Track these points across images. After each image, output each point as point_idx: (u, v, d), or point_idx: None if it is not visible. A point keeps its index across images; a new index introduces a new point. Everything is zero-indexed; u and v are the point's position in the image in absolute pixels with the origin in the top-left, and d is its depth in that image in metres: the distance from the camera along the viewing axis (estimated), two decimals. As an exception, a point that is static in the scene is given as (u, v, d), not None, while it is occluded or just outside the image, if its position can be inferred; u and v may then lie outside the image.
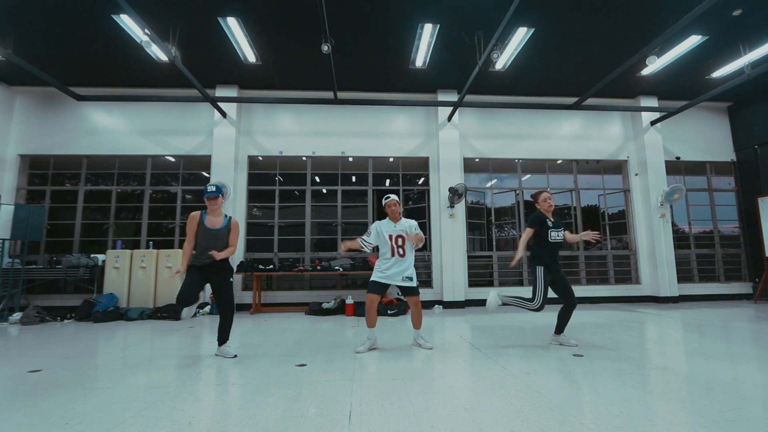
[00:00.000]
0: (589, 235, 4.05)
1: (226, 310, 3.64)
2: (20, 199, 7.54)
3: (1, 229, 6.28)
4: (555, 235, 3.93)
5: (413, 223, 4.05)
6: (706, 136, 8.77)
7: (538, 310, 3.87)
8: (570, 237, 4.09)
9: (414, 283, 3.94)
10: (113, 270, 6.69)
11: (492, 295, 4.04)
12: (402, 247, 3.90)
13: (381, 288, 3.89)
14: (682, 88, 7.89)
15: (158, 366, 3.36)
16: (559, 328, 4.04)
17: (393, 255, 3.90)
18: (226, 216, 3.70)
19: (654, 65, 6.17)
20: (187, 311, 3.77)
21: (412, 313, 4.00)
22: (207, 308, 6.79)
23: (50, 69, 6.57)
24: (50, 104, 7.74)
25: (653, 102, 8.34)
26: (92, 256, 6.99)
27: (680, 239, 8.57)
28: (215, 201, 3.55)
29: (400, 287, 3.95)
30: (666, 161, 8.30)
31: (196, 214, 3.58)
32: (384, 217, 4.15)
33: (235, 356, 3.60)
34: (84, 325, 5.73)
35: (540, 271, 3.90)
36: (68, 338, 4.72)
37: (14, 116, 7.68)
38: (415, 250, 4.19)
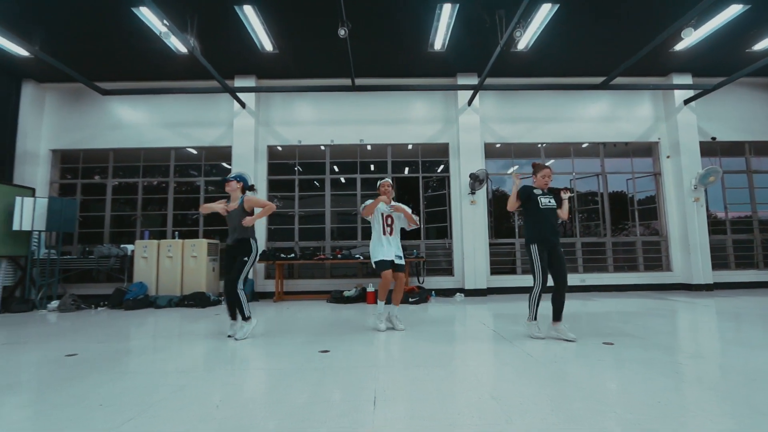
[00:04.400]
0: (564, 194, 3.91)
1: (230, 289, 3.80)
2: (53, 193, 7.85)
3: (38, 221, 6.56)
4: (545, 201, 3.70)
5: (404, 206, 4.39)
6: (744, 114, 8.25)
7: (545, 287, 3.63)
8: (561, 212, 3.87)
9: (403, 261, 4.30)
10: (142, 260, 6.91)
11: (529, 330, 3.75)
12: (390, 226, 4.30)
13: (389, 263, 4.16)
14: (719, 64, 7.43)
15: (186, 351, 3.44)
16: (556, 316, 3.66)
17: (384, 234, 4.25)
18: (241, 197, 3.96)
19: (689, 38, 5.81)
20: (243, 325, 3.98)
21: (395, 290, 4.26)
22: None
23: (75, 65, 6.74)
24: (77, 100, 7.98)
25: (687, 79, 7.89)
26: (122, 246, 7.24)
27: (715, 224, 8.17)
28: (228, 184, 3.94)
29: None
30: (701, 142, 7.89)
31: (223, 201, 4.02)
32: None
33: (229, 336, 3.81)
34: (116, 313, 5.96)
35: (534, 249, 3.63)
36: (102, 324, 4.91)
37: (45, 112, 7.96)
38: (411, 230, 4.54)
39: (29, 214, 6.50)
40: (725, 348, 3.29)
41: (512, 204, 3.81)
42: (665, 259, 8.03)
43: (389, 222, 4.30)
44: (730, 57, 7.18)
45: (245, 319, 3.86)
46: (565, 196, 3.91)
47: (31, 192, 7.06)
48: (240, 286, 3.83)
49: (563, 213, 3.89)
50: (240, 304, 3.83)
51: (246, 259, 3.85)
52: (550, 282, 3.68)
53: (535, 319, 3.70)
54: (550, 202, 3.75)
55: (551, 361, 2.88)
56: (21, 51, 6.29)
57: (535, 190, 3.78)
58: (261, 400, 2.22)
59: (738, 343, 3.41)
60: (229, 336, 3.88)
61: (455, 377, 2.60)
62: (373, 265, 4.26)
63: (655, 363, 2.80)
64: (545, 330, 3.73)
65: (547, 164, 3.94)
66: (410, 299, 6.44)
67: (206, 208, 3.99)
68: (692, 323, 4.50)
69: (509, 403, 2.10)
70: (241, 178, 3.99)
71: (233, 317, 3.95)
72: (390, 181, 4.45)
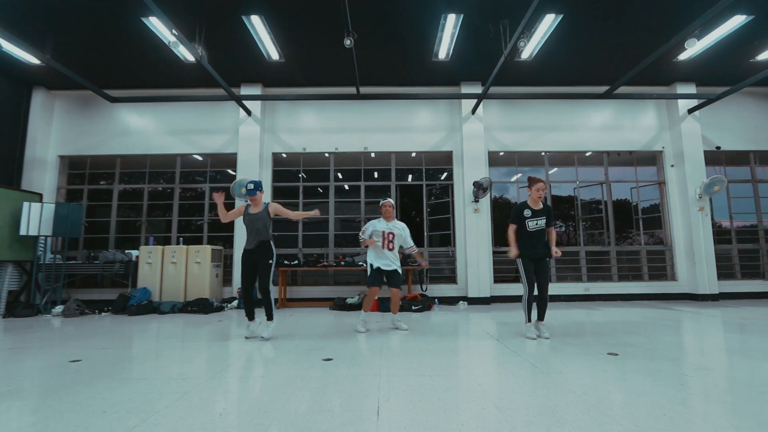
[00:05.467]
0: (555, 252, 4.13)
1: (261, 291, 4.07)
2: (60, 198, 7.93)
3: (44, 226, 6.62)
4: (532, 225, 4.11)
5: (403, 225, 4.81)
6: (749, 123, 8.23)
7: (532, 292, 4.13)
8: (552, 235, 4.25)
9: (399, 269, 4.67)
10: (146, 265, 6.94)
11: (528, 333, 4.15)
12: (392, 242, 4.64)
13: (381, 279, 4.58)
14: (723, 73, 7.44)
15: (189, 358, 3.45)
16: (539, 316, 4.20)
17: (384, 247, 4.60)
18: (265, 204, 4.24)
19: (693, 48, 5.84)
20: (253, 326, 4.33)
21: (392, 301, 4.75)
22: (234, 303, 6.95)
23: (85, 73, 6.85)
24: (86, 107, 8.09)
25: (691, 89, 7.90)
26: (126, 251, 7.27)
27: (720, 233, 8.12)
28: (255, 198, 4.16)
29: (386, 275, 4.60)
30: (705, 151, 7.87)
31: (243, 206, 4.25)
32: (378, 216, 4.85)
33: (262, 338, 4.05)
34: (120, 318, 5.97)
35: (519, 262, 4.18)
36: (106, 330, 4.93)
37: (54, 119, 8.07)
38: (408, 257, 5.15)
39: (36, 219, 6.57)
40: (732, 360, 3.25)
41: (512, 237, 4.28)
42: (670, 268, 7.97)
43: (391, 238, 4.61)
44: (734, 67, 7.20)
45: (271, 319, 4.18)
46: (555, 255, 4.15)
47: (38, 197, 7.14)
48: (270, 288, 4.10)
49: (550, 238, 4.26)
50: (270, 305, 4.12)
51: (270, 262, 4.11)
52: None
53: (529, 320, 4.18)
54: (537, 224, 4.13)
55: (556, 372, 2.86)
56: (32, 59, 6.42)
57: (525, 211, 4.15)
58: (263, 408, 2.22)
59: (745, 355, 3.37)
60: (246, 338, 4.14)
61: (459, 387, 2.58)
62: (367, 271, 4.66)
63: (661, 374, 2.77)
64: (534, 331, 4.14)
65: (541, 178, 4.39)
66: (413, 307, 6.42)
67: (226, 214, 4.21)
68: (698, 334, 4.46)
69: (513, 414, 2.09)
70: (260, 185, 4.19)
71: (252, 318, 4.23)
72: (392, 201, 4.75)
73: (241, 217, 4.23)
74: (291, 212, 4.26)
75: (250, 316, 4.24)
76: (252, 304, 4.23)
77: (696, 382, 2.62)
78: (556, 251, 4.09)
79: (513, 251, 4.18)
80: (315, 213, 4.27)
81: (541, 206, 4.20)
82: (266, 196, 7.83)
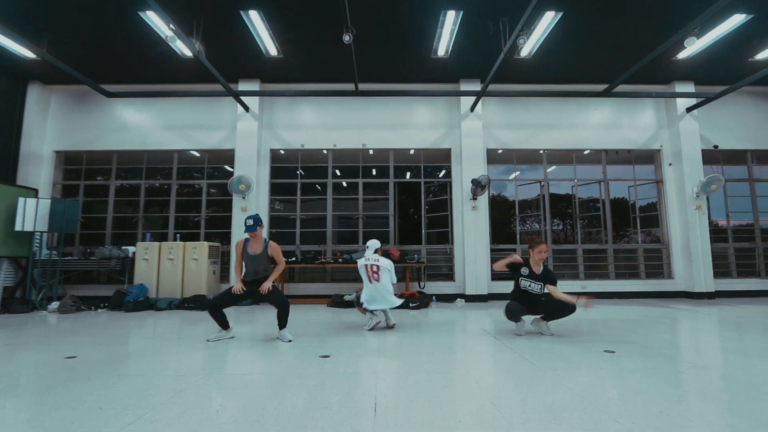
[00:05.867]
0: (585, 302, 3.83)
1: (281, 306, 4.01)
2: (56, 194, 7.88)
3: (40, 222, 6.58)
4: (525, 284, 4.03)
5: (389, 262, 4.68)
6: (747, 122, 8.25)
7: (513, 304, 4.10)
8: (555, 292, 3.97)
9: (397, 303, 4.56)
10: (143, 261, 6.91)
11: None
12: (377, 273, 4.51)
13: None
14: (721, 72, 7.44)
15: (186, 354, 3.44)
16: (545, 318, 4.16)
17: (371, 282, 4.51)
18: (265, 241, 4.12)
19: (693, 47, 5.81)
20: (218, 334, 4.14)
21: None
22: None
23: (82, 67, 6.77)
24: (82, 102, 8.03)
25: (689, 87, 7.90)
26: (123, 248, 7.24)
27: (716, 232, 8.15)
28: (255, 234, 4.06)
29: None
30: (703, 150, 7.88)
31: (240, 242, 4.13)
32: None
33: (290, 341, 3.89)
34: (116, 314, 5.95)
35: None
36: (102, 326, 4.91)
37: (50, 114, 8.00)
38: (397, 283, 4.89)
39: (32, 214, 6.52)
40: (727, 357, 3.27)
41: (500, 266, 4.17)
42: (667, 266, 8.00)
43: (374, 270, 4.53)
44: (733, 66, 7.20)
45: (284, 326, 4.04)
46: (579, 303, 3.88)
47: (34, 193, 7.08)
48: (285, 298, 4.07)
49: (556, 294, 3.98)
50: (287, 314, 4.02)
51: (275, 284, 4.07)
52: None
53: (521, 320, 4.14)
54: (530, 286, 4.01)
55: (553, 369, 2.86)
56: (28, 53, 6.35)
57: (522, 269, 4.08)
58: (260, 405, 2.21)
59: (740, 353, 3.38)
60: (209, 341, 3.92)
61: (456, 384, 2.58)
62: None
63: (658, 372, 2.78)
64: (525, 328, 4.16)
65: (543, 241, 4.09)
66: (411, 304, 6.42)
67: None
68: (694, 332, 4.47)
69: (510, 411, 2.09)
70: (259, 221, 4.07)
71: (283, 326, 4.05)
72: (379, 245, 4.77)
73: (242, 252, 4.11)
74: (278, 270, 4.15)
75: (225, 327, 4.06)
76: (223, 317, 4.05)
77: (692, 379, 2.63)
78: (586, 302, 3.81)
79: (497, 266, 4.19)
80: (284, 267, 4.24)
81: (541, 269, 4.05)
82: (263, 192, 7.81)
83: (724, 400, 2.27)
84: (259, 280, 4.04)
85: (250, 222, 4.02)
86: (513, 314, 4.04)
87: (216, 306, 3.99)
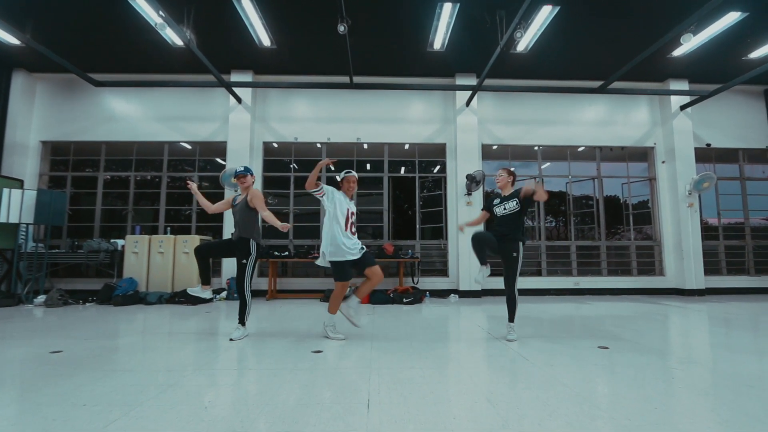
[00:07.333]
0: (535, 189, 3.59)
1: (237, 291, 3.79)
2: (42, 185, 7.69)
3: (26, 214, 6.42)
4: (499, 210, 3.95)
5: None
6: (739, 121, 8.32)
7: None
8: (528, 186, 3.71)
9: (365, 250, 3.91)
10: (132, 255, 6.79)
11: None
12: (354, 224, 3.97)
13: (350, 272, 3.76)
14: (715, 71, 7.48)
15: (176, 349, 3.37)
16: (509, 317, 3.80)
17: (347, 230, 3.85)
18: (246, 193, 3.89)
19: (688, 44, 5.83)
20: (199, 290, 4.03)
21: (368, 283, 3.84)
22: (224, 294, 6.85)
23: (69, 55, 6.58)
24: (70, 91, 7.82)
25: (683, 85, 7.93)
26: (112, 241, 7.09)
27: (707, 230, 8.23)
28: (244, 180, 3.87)
29: (359, 260, 3.82)
30: (696, 148, 7.93)
31: (232, 196, 4.00)
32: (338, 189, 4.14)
33: (231, 340, 3.62)
34: (105, 308, 5.84)
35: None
36: (89, 321, 4.81)
37: (35, 103, 7.79)
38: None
39: (17, 206, 6.36)
40: (717, 353, 3.28)
41: (473, 220, 4.44)
42: (658, 263, 8.07)
43: (353, 219, 3.98)
44: (727, 64, 7.23)
45: (241, 323, 3.75)
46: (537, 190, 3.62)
47: (19, 184, 6.91)
48: (247, 289, 3.72)
49: (526, 189, 3.74)
50: (243, 307, 3.74)
51: (245, 262, 3.73)
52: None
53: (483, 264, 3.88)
54: (504, 208, 3.91)
55: (547, 365, 2.85)
56: (12, 39, 6.13)
57: (495, 201, 4.03)
58: (251, 400, 2.16)
59: (730, 349, 3.41)
60: (231, 340, 3.65)
61: (450, 380, 2.56)
62: (328, 264, 3.76)
63: (650, 368, 2.78)
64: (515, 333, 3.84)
65: (507, 169, 4.08)
66: (404, 300, 6.40)
67: (208, 204, 3.99)
68: (685, 328, 4.51)
69: (505, 407, 2.07)
70: (250, 170, 3.94)
71: (207, 282, 3.93)
72: (356, 176, 4.18)
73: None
74: (265, 211, 3.79)
75: (207, 281, 3.95)
76: (208, 269, 3.92)
77: (684, 375, 2.63)
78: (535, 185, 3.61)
79: (463, 226, 4.29)
80: (285, 227, 3.69)
81: (511, 190, 3.96)
82: (256, 186, 7.70)
83: (715, 395, 2.27)
84: (238, 243, 3.76)
85: (241, 168, 3.92)
86: (478, 243, 3.73)
87: (204, 252, 3.85)
